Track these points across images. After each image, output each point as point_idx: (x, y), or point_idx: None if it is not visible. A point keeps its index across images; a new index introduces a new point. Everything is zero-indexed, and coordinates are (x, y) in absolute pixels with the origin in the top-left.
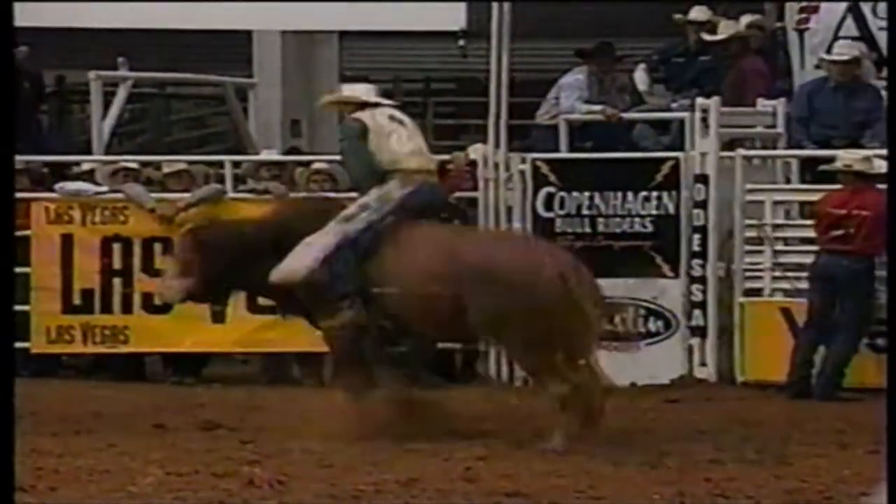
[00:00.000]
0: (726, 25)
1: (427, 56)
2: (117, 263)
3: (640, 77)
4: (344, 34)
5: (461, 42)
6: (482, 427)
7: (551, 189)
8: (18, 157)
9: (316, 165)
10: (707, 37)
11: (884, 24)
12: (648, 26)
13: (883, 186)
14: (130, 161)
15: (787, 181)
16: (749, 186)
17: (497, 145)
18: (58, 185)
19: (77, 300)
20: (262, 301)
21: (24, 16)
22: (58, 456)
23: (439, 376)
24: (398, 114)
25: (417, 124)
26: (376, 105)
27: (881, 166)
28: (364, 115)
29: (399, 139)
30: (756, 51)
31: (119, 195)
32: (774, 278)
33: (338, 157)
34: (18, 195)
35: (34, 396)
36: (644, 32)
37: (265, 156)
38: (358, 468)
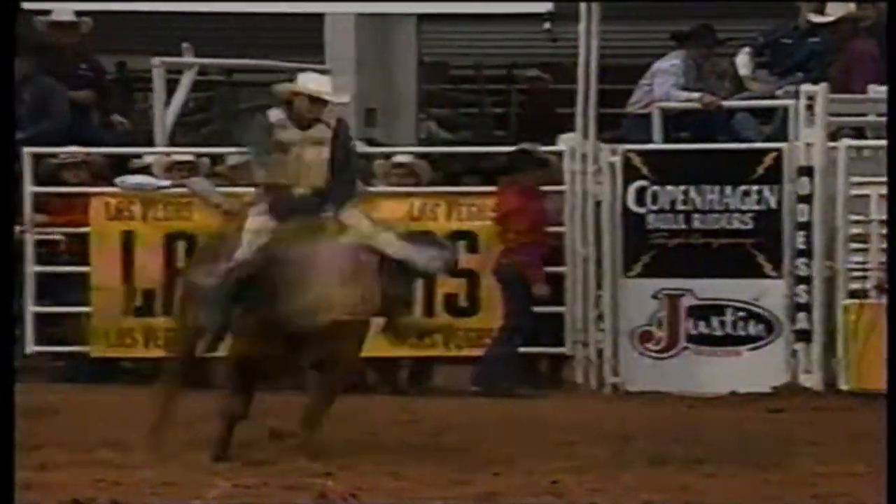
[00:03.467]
0: (836, 6)
1: (511, 40)
2: (181, 262)
3: (743, 61)
4: (422, 17)
5: (548, 25)
6: (568, 437)
7: (643, 182)
8: (78, 149)
9: (398, 158)
10: (815, 18)
11: None
12: (751, 7)
13: None
14: (192, 153)
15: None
16: (855, 180)
17: (586, 135)
18: (119, 179)
19: (138, 301)
20: None
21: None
22: (118, 467)
23: (525, 383)
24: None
25: (500, 113)
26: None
27: None
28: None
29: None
30: (868, 32)
31: (183, 189)
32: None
33: (417, 150)
34: (77, 189)
35: (94, 403)
36: (746, 13)
37: None
38: (433, 481)
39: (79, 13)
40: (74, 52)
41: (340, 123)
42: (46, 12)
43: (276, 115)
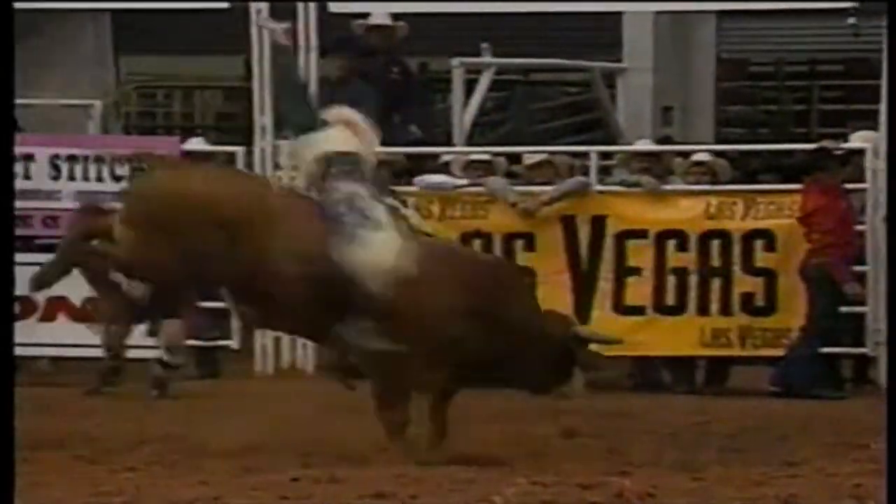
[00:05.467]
0: None
1: (813, 36)
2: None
3: None
4: (721, 14)
5: (852, 20)
6: (871, 440)
7: None
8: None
9: (697, 157)
10: None
11: None
12: None
13: None
14: (489, 152)
15: None
16: None
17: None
18: (418, 178)
19: None
20: (629, 300)
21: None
22: (422, 464)
23: (826, 384)
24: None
25: (801, 110)
26: None
27: None
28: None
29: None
30: None
31: (479, 188)
32: None
33: (717, 147)
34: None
35: None
36: None
37: (635, 146)
38: (731, 482)
39: (395, 16)
40: (388, 55)
41: None
42: (364, 15)
43: None
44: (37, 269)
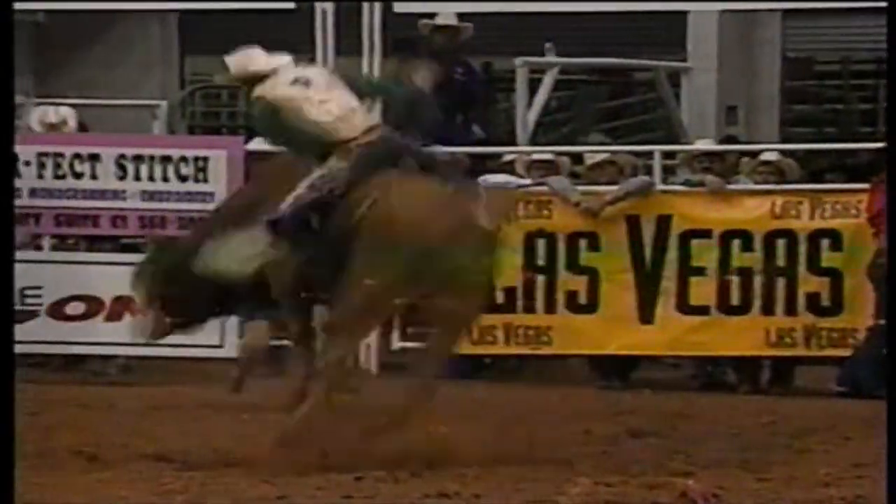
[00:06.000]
0: None
1: (879, 34)
2: (540, 260)
3: None
4: (787, 12)
5: None
6: None
7: None
8: (443, 148)
9: (765, 156)
10: None
11: None
12: None
13: None
14: (553, 152)
15: None
16: None
17: None
18: (481, 178)
19: (499, 299)
20: (693, 300)
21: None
22: (481, 465)
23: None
24: (302, 72)
25: (867, 109)
26: (273, 72)
27: None
28: (264, 90)
29: (314, 107)
30: None
31: (543, 188)
32: None
33: (782, 147)
34: None
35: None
36: None
37: (699, 145)
38: (797, 483)
39: (461, 17)
40: (452, 55)
41: None
42: (431, 15)
43: None
44: (110, 267)
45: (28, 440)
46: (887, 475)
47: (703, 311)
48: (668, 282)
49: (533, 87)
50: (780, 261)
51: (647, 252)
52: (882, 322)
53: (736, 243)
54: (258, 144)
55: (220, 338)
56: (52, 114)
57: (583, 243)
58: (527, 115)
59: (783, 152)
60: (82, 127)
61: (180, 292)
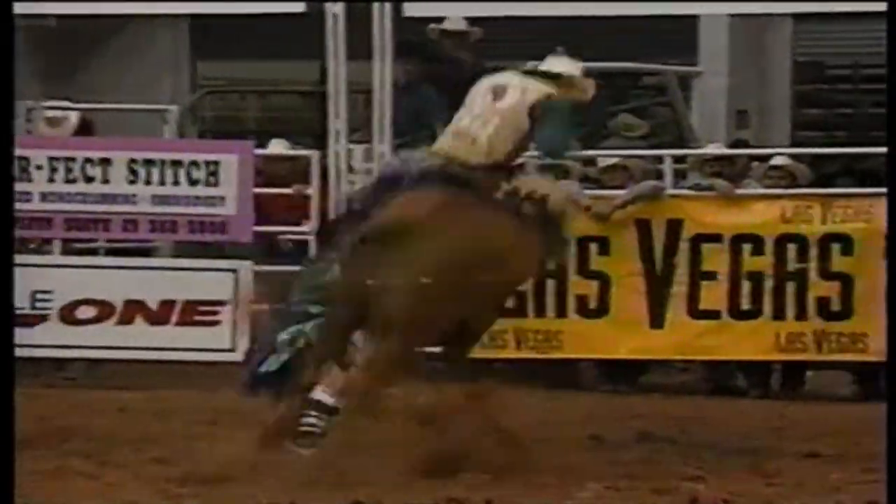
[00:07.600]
0: None
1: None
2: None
3: None
4: (797, 16)
5: None
6: None
7: None
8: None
9: (775, 160)
10: None
11: None
12: None
13: None
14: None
15: None
16: None
17: None
18: None
19: (510, 303)
20: (704, 304)
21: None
22: (491, 470)
23: None
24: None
25: (878, 113)
26: None
27: None
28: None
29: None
30: None
31: None
32: None
33: (792, 151)
34: None
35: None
36: None
37: (709, 149)
38: (808, 487)
39: (470, 22)
40: (460, 59)
41: None
42: (440, 20)
43: None
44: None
45: (38, 444)
46: (887, 475)
47: (713, 315)
48: (679, 286)
49: None
50: (791, 265)
51: (658, 256)
52: None
53: (746, 247)
54: (275, 147)
55: (231, 342)
56: (53, 111)
57: (593, 247)
58: None
59: (793, 156)
60: (92, 129)
61: None
